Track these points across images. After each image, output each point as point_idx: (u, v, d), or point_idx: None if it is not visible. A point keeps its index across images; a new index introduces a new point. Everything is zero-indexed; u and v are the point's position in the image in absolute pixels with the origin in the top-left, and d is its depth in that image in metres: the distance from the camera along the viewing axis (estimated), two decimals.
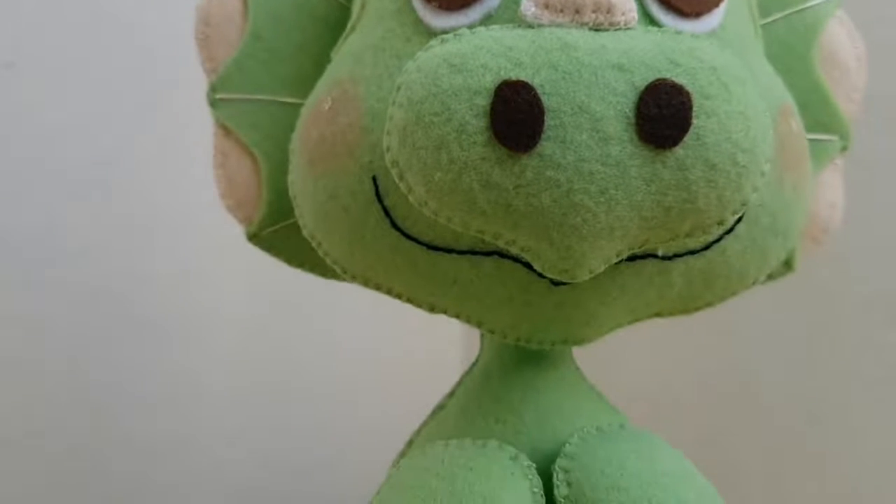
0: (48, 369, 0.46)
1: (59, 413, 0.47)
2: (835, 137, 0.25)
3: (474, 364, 0.24)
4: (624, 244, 0.18)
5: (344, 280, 0.25)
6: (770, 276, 0.26)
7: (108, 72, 0.46)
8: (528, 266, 0.19)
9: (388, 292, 0.22)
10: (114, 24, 0.46)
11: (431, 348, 0.53)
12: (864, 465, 0.38)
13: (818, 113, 0.24)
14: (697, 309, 0.22)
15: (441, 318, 0.23)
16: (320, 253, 0.22)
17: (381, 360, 0.54)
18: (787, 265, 0.25)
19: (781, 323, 0.41)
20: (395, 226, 0.20)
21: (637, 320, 0.22)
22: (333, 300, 0.55)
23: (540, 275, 0.19)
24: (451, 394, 0.24)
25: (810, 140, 0.23)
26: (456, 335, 0.53)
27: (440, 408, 0.24)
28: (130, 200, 0.48)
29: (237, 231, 0.26)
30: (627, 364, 0.44)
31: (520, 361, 0.23)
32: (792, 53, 0.24)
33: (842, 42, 0.25)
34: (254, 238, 0.24)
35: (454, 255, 0.20)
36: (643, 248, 0.18)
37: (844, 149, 0.25)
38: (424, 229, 0.20)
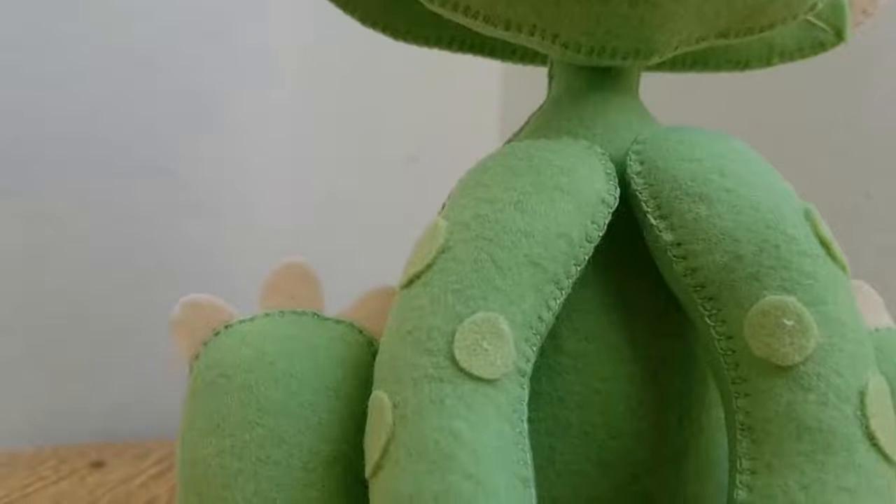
0: (93, 245, 0.48)
1: (102, 290, 0.48)
2: None
3: (541, 105, 0.25)
4: None
5: (416, 39, 0.26)
6: (822, 46, 0.27)
7: None
8: None
9: (466, 12, 0.23)
10: None
11: None
12: None
13: None
14: (762, 29, 0.23)
15: None
16: None
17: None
18: (839, 35, 0.26)
19: None
20: None
21: (705, 37, 0.23)
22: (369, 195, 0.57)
23: None
24: (520, 129, 0.25)
25: None
26: None
27: (508, 141, 0.25)
28: (182, 84, 0.50)
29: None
30: None
31: (590, 87, 0.24)
32: None
33: None
34: None
35: None
36: None
37: None
38: None
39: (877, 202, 0.45)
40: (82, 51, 0.47)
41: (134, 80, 0.48)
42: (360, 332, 0.23)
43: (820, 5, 0.23)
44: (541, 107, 0.25)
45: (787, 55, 0.27)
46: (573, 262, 0.20)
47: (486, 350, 0.19)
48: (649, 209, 0.21)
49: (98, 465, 0.41)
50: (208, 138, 0.51)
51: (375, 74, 0.57)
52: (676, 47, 0.22)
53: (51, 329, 0.47)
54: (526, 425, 0.19)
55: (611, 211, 0.21)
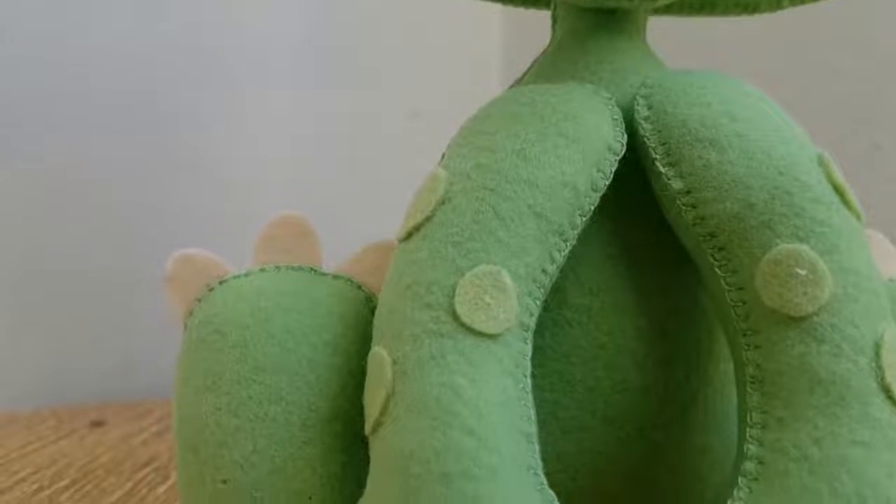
0: (92, 202, 0.47)
1: (102, 247, 0.48)
2: None
3: (545, 49, 0.24)
4: None
5: None
6: None
7: None
8: None
9: None
10: None
11: None
12: None
13: None
14: None
15: None
16: None
17: None
18: None
19: None
20: None
21: None
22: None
23: None
24: (523, 75, 0.24)
25: None
26: None
27: (511, 87, 0.24)
28: (181, 38, 0.49)
29: None
30: None
31: (595, 30, 0.23)
32: None
33: None
34: None
35: None
36: None
37: None
38: None
39: (887, 151, 0.45)
40: (81, 6, 0.46)
41: (132, 33, 0.47)
42: (359, 287, 0.22)
43: None
44: (544, 51, 0.24)
45: None
46: (578, 212, 0.19)
47: (487, 304, 0.18)
48: (657, 156, 0.20)
49: (98, 424, 0.41)
50: (208, 94, 0.50)
51: (375, 27, 0.56)
52: None
53: (50, 288, 0.47)
54: (529, 380, 0.18)
55: (618, 158, 0.20)
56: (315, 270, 0.22)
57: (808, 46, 0.46)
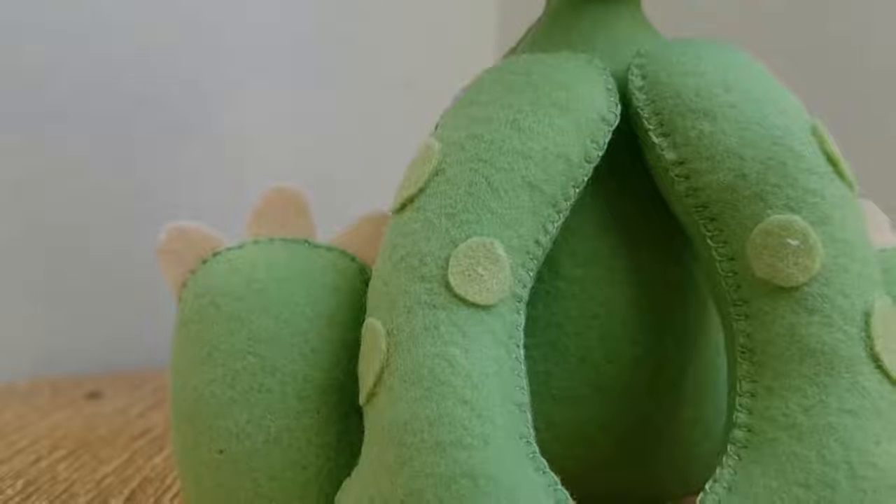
0: (92, 175, 0.47)
1: (100, 220, 0.48)
2: None
3: (539, 18, 0.24)
4: None
5: None
6: None
7: None
8: None
9: None
10: None
11: None
12: None
13: None
14: None
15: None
16: None
17: None
18: None
19: None
20: None
21: None
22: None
23: None
24: (517, 44, 0.24)
25: None
26: None
27: (505, 56, 0.24)
28: (179, 13, 0.49)
29: None
30: None
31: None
32: None
33: None
34: None
35: None
36: None
37: None
38: None
39: (881, 122, 0.44)
40: None
41: (130, 8, 0.47)
42: (353, 259, 0.22)
43: None
44: (539, 20, 0.24)
45: None
46: (572, 183, 0.19)
47: (481, 275, 0.18)
48: (651, 126, 0.20)
49: (94, 395, 0.41)
50: (205, 67, 0.50)
51: None
52: None
53: (48, 260, 0.47)
54: (522, 351, 0.19)
55: (611, 129, 0.20)
56: (309, 242, 0.22)
57: (805, 13, 0.46)
